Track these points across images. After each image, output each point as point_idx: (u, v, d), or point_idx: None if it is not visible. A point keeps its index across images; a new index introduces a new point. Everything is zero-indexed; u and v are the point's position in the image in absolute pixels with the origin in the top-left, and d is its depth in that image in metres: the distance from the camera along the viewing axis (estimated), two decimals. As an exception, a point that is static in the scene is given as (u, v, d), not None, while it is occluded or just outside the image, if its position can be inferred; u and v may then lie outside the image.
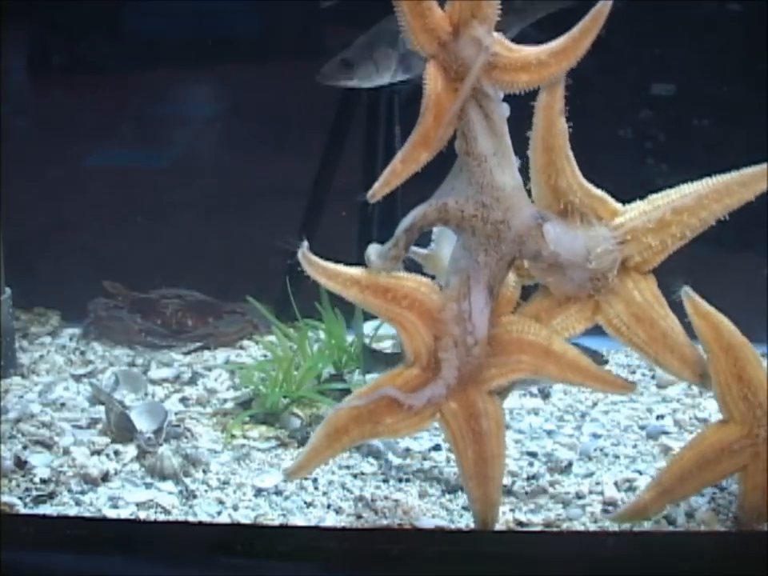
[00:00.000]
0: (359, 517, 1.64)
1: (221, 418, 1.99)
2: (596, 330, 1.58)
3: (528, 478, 1.76)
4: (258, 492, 1.71)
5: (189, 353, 2.31)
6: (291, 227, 2.44)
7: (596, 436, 1.91)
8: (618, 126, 2.41)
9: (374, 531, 1.60)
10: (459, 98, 1.45)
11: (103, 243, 2.52)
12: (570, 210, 1.52)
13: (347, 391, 1.86)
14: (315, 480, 1.75)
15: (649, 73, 2.39)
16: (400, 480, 1.76)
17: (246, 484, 1.73)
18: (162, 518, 1.64)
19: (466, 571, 1.46)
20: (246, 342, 2.38)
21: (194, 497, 1.69)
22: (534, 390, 2.09)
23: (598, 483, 1.73)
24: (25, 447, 1.85)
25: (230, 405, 2.04)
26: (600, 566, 1.47)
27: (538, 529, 1.60)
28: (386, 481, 1.76)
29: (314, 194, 2.49)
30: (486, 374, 1.52)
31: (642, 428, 1.95)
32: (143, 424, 1.89)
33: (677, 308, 1.53)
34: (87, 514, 1.64)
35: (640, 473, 1.77)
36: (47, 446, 1.86)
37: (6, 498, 1.66)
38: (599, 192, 1.54)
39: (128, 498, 1.68)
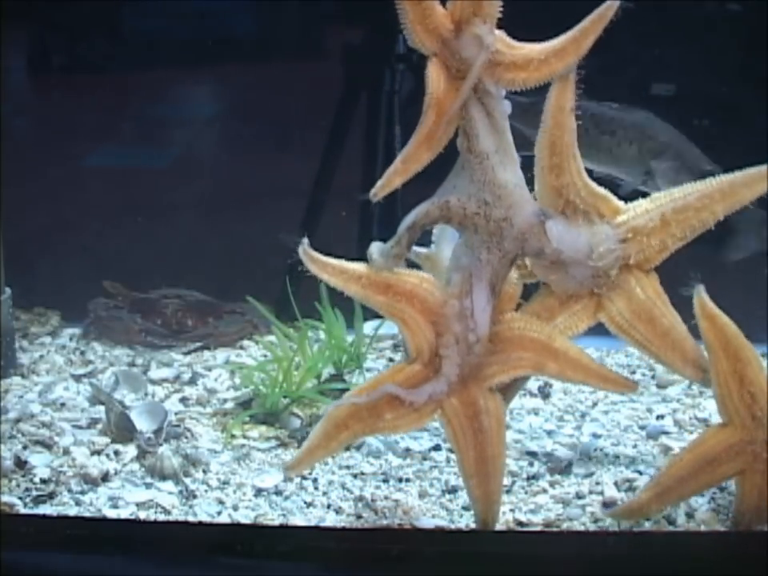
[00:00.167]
0: (359, 517, 1.64)
1: (221, 417, 1.99)
2: (596, 330, 1.58)
3: (528, 478, 1.76)
4: (258, 492, 1.71)
5: (189, 353, 2.31)
6: (291, 227, 2.44)
7: (596, 436, 1.91)
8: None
9: (374, 531, 1.60)
10: (460, 96, 1.45)
11: (103, 243, 2.52)
12: (573, 207, 1.52)
13: (347, 391, 1.86)
14: (315, 480, 1.75)
15: (649, 73, 2.38)
16: (400, 480, 1.76)
17: (246, 484, 1.73)
18: (162, 517, 1.64)
19: (466, 571, 1.46)
20: (246, 342, 2.38)
21: (194, 497, 1.69)
22: (534, 389, 2.10)
23: (598, 483, 1.73)
24: (25, 447, 1.85)
25: (230, 405, 2.04)
26: (600, 566, 1.47)
27: (538, 529, 1.60)
28: (386, 481, 1.76)
29: (313, 194, 2.49)
30: (487, 371, 1.52)
31: (642, 428, 1.95)
32: (143, 424, 1.89)
33: (687, 304, 1.53)
34: (87, 514, 1.64)
35: (640, 473, 1.77)
36: (47, 445, 1.86)
37: (6, 498, 1.66)
38: (602, 190, 1.54)
39: (128, 497, 1.68)
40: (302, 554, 1.48)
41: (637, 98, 2.38)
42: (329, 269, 1.51)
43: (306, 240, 1.51)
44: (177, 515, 1.64)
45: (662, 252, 1.54)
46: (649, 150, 1.96)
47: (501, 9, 1.46)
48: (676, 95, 2.40)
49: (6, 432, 1.90)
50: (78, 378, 2.18)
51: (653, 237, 1.53)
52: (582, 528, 1.60)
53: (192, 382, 2.15)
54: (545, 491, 1.72)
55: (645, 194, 1.56)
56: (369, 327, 2.22)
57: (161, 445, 1.84)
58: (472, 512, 1.61)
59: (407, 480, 1.76)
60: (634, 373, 2.20)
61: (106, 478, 1.75)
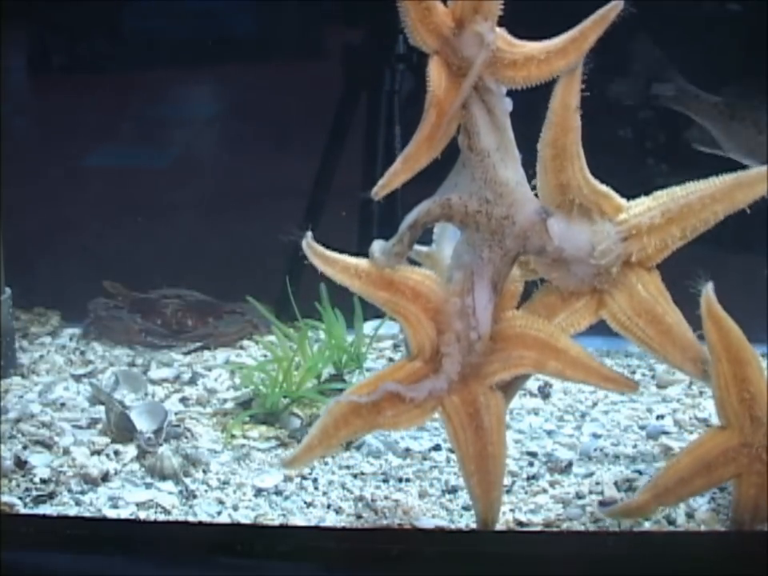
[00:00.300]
0: (359, 517, 1.64)
1: (221, 417, 1.99)
2: (596, 331, 1.58)
3: (528, 478, 1.76)
4: (258, 492, 1.71)
5: (189, 353, 2.31)
6: (291, 227, 2.44)
7: (596, 436, 1.91)
8: (618, 126, 2.41)
9: (374, 531, 1.60)
10: (461, 94, 1.45)
11: (103, 243, 2.52)
12: (575, 205, 1.52)
13: (347, 391, 1.86)
14: (315, 480, 1.75)
15: (649, 73, 2.38)
16: (400, 480, 1.76)
17: (246, 484, 1.73)
18: (162, 518, 1.64)
19: (466, 571, 1.46)
20: (246, 342, 2.38)
21: (194, 497, 1.69)
22: (534, 389, 2.10)
23: (597, 483, 1.73)
24: (25, 447, 1.85)
25: (230, 405, 2.04)
26: (600, 566, 1.47)
27: (538, 529, 1.60)
28: (386, 481, 1.76)
29: (313, 194, 2.49)
30: (488, 368, 1.52)
31: (642, 428, 1.95)
32: (143, 424, 1.89)
33: (689, 302, 1.53)
34: (87, 514, 1.64)
35: (640, 473, 1.77)
36: (47, 445, 1.86)
37: (6, 498, 1.66)
38: (604, 188, 1.54)
39: (128, 498, 1.68)
40: (302, 554, 1.48)
41: (637, 98, 2.39)
42: (332, 263, 1.51)
43: (309, 233, 1.51)
44: (177, 515, 1.64)
45: (664, 250, 1.54)
46: None
47: (502, 7, 1.46)
48: (676, 95, 2.40)
49: (6, 432, 1.90)
50: (78, 378, 2.18)
51: (654, 235, 1.53)
52: (582, 528, 1.60)
53: (192, 381, 2.15)
54: (545, 491, 1.72)
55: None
56: (369, 327, 2.22)
57: (161, 445, 1.84)
58: (472, 512, 1.61)
59: (407, 480, 1.76)
60: (634, 373, 2.20)
61: (105, 478, 1.75)
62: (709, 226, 1.53)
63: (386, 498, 1.70)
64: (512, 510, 1.65)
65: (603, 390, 1.80)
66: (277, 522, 1.62)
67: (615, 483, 1.73)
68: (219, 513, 1.65)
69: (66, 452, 1.84)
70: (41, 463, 1.79)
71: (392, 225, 1.53)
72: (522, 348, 1.53)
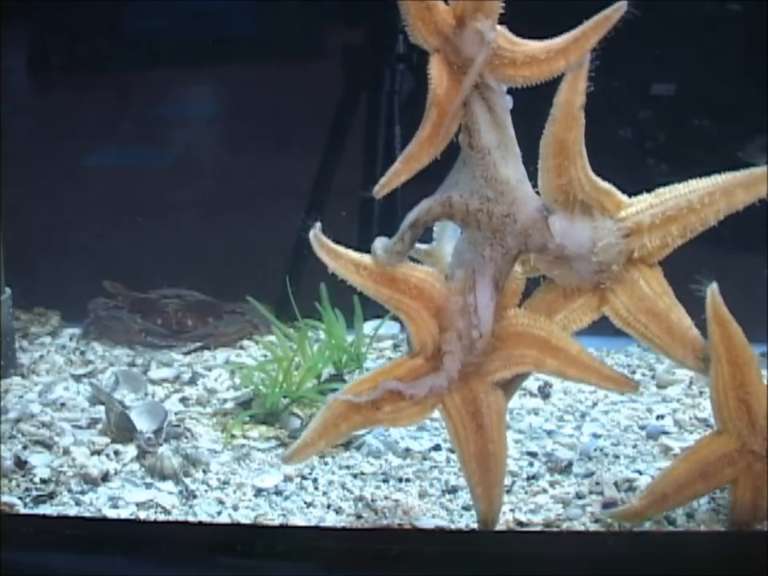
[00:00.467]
0: (359, 517, 1.64)
1: (221, 417, 1.99)
2: (596, 331, 1.58)
3: (528, 478, 1.76)
4: (258, 492, 1.71)
5: (189, 353, 2.31)
6: (291, 227, 2.44)
7: (596, 436, 1.91)
8: (618, 126, 2.41)
9: (374, 531, 1.60)
10: (461, 93, 1.45)
11: (103, 243, 2.52)
12: (577, 202, 1.52)
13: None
14: (315, 480, 1.75)
15: (649, 73, 2.39)
16: (400, 480, 1.76)
17: (246, 484, 1.73)
18: (162, 518, 1.63)
19: (466, 571, 1.46)
20: (246, 342, 2.38)
21: (194, 497, 1.69)
22: (534, 389, 2.10)
23: (597, 483, 1.73)
24: (25, 447, 1.85)
25: (230, 405, 2.04)
26: (600, 565, 1.47)
27: (538, 529, 1.60)
28: (386, 481, 1.76)
29: (314, 194, 2.49)
30: (489, 366, 1.52)
31: (642, 428, 1.95)
32: (143, 424, 1.89)
33: (691, 299, 1.53)
34: (87, 514, 1.64)
35: (640, 473, 1.77)
36: (47, 445, 1.86)
37: (6, 498, 1.66)
38: (606, 185, 1.54)
39: (128, 498, 1.68)
40: (302, 554, 1.48)
41: (637, 98, 2.39)
42: (337, 257, 1.51)
43: (318, 224, 1.51)
44: (177, 515, 1.64)
45: (666, 247, 1.54)
46: None
47: (503, 5, 1.46)
48: (676, 95, 2.40)
49: (6, 432, 1.90)
50: (78, 378, 2.18)
51: (656, 232, 1.53)
52: (582, 528, 1.60)
53: (192, 381, 2.15)
54: (545, 491, 1.72)
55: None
56: (369, 327, 2.22)
57: (161, 445, 1.84)
58: (472, 512, 1.61)
59: (407, 480, 1.76)
60: (634, 373, 2.20)
61: (106, 478, 1.75)
62: (711, 223, 1.53)
63: (386, 498, 1.70)
64: (512, 510, 1.65)
65: (603, 389, 1.80)
66: (277, 522, 1.62)
67: (615, 483, 1.73)
68: (219, 513, 1.65)
69: (66, 452, 1.84)
70: (41, 463, 1.78)
71: (392, 224, 1.53)
72: (523, 346, 1.53)
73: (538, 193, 1.52)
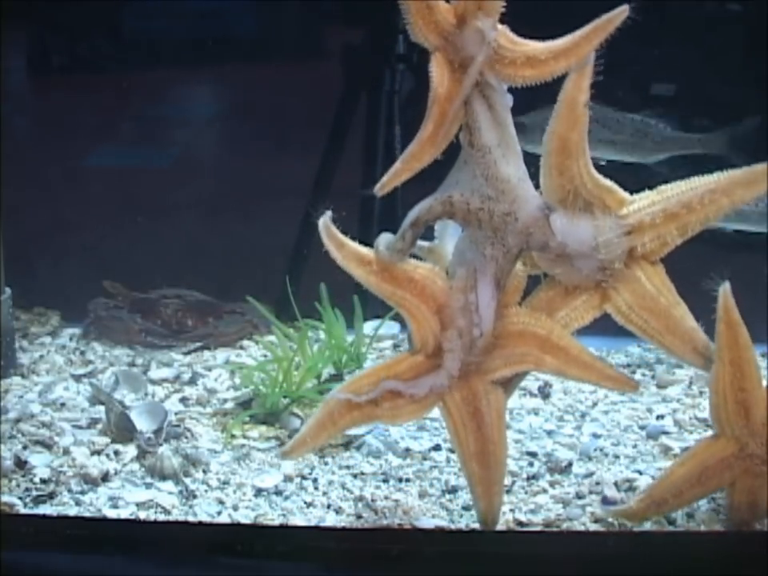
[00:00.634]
0: (359, 517, 1.64)
1: (221, 417, 1.99)
2: (596, 330, 1.58)
3: (528, 478, 1.76)
4: (258, 492, 1.71)
5: (189, 353, 2.31)
6: (291, 227, 2.44)
7: (596, 436, 1.91)
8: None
9: (374, 531, 1.60)
10: (462, 92, 1.45)
11: (103, 243, 2.52)
12: (579, 199, 1.52)
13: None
14: (315, 480, 1.75)
15: (649, 73, 2.38)
16: (400, 480, 1.76)
17: (246, 484, 1.73)
18: (162, 518, 1.63)
19: (466, 571, 1.46)
20: (246, 342, 2.37)
21: (194, 497, 1.69)
22: (534, 389, 2.10)
23: (598, 483, 1.73)
24: (25, 447, 1.85)
25: (230, 405, 2.04)
26: (600, 565, 1.47)
27: (538, 529, 1.60)
28: (386, 481, 1.76)
29: (313, 194, 2.49)
30: (490, 364, 1.52)
31: (642, 428, 1.95)
32: (143, 424, 1.89)
33: (696, 300, 1.53)
34: (87, 514, 1.64)
35: (640, 473, 1.77)
36: (47, 445, 1.86)
37: (6, 498, 1.66)
38: (608, 182, 1.53)
39: (128, 497, 1.68)
40: (302, 554, 1.48)
41: (637, 98, 2.39)
42: (344, 249, 1.51)
43: (329, 213, 1.51)
44: (177, 515, 1.64)
45: (668, 245, 1.54)
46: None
47: (504, 5, 1.46)
48: (676, 95, 2.40)
49: (6, 432, 1.90)
50: (78, 378, 2.18)
51: (658, 229, 1.52)
52: (582, 528, 1.60)
53: (192, 381, 2.15)
54: (545, 491, 1.72)
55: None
56: (369, 327, 2.22)
57: (161, 445, 1.84)
58: (472, 512, 1.61)
59: (407, 480, 1.76)
60: (634, 373, 2.20)
61: (106, 478, 1.75)
62: (713, 220, 1.52)
63: (386, 498, 1.70)
64: (512, 510, 1.65)
65: (603, 388, 1.80)
66: (277, 522, 1.62)
67: (615, 483, 1.73)
68: (219, 513, 1.65)
69: (66, 452, 1.84)
70: (41, 463, 1.78)
71: (392, 224, 1.53)
72: (523, 345, 1.53)
73: (540, 190, 1.52)
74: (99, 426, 1.93)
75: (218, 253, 2.52)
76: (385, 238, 1.51)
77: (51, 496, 1.69)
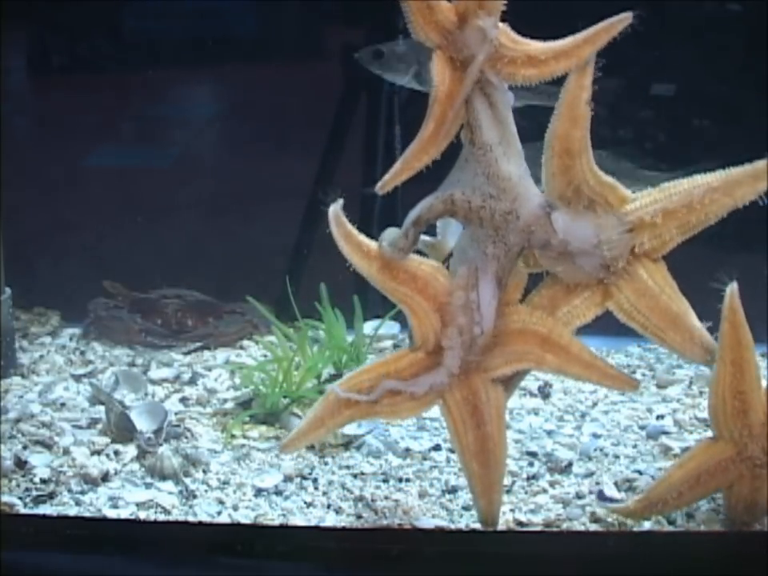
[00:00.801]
0: (359, 517, 1.64)
1: (221, 417, 1.99)
2: (596, 330, 1.58)
3: (528, 478, 1.76)
4: (258, 492, 1.71)
5: (189, 353, 2.31)
6: (291, 227, 2.44)
7: (596, 436, 1.91)
8: (618, 126, 2.41)
9: (374, 531, 1.60)
10: (463, 90, 1.45)
11: (103, 243, 2.52)
12: (581, 197, 1.52)
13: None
14: (315, 480, 1.75)
15: (649, 73, 2.38)
16: (400, 480, 1.76)
17: (246, 484, 1.73)
18: (162, 518, 1.63)
19: (466, 571, 1.46)
20: (246, 342, 2.37)
21: (194, 497, 1.69)
22: (534, 389, 2.10)
23: (597, 483, 1.73)
24: (25, 447, 1.85)
25: (230, 405, 2.04)
26: (600, 565, 1.47)
27: (538, 529, 1.60)
28: (386, 481, 1.76)
29: (314, 194, 2.49)
30: (490, 362, 1.52)
31: (642, 428, 1.95)
32: (143, 424, 1.89)
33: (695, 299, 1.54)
34: (87, 514, 1.64)
35: (640, 473, 1.77)
36: (47, 445, 1.86)
37: (6, 498, 1.66)
38: (610, 179, 1.53)
39: (128, 497, 1.68)
40: (302, 554, 1.48)
41: (637, 98, 2.39)
42: (350, 239, 1.52)
43: (341, 201, 1.51)
44: (177, 515, 1.64)
45: (670, 242, 1.54)
46: None
47: (505, 3, 1.46)
48: (676, 95, 2.40)
49: (6, 432, 1.90)
50: (78, 378, 2.18)
51: (660, 227, 1.52)
52: (582, 528, 1.60)
53: (192, 381, 2.15)
54: (545, 491, 1.72)
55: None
56: (369, 327, 2.22)
57: (161, 445, 1.84)
58: (472, 512, 1.61)
59: (407, 480, 1.76)
60: (634, 373, 2.20)
61: (106, 478, 1.75)
62: (715, 218, 1.52)
63: (386, 498, 1.70)
64: (512, 510, 1.65)
65: (604, 387, 1.80)
66: (277, 522, 1.62)
67: (615, 483, 1.73)
68: (219, 513, 1.65)
69: (66, 452, 1.84)
70: (41, 463, 1.78)
71: (392, 224, 1.53)
72: (524, 343, 1.53)
73: (541, 188, 1.52)
74: (99, 426, 1.93)
75: (218, 253, 2.52)
76: (389, 234, 1.51)
77: (51, 496, 1.69)
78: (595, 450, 1.85)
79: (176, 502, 1.68)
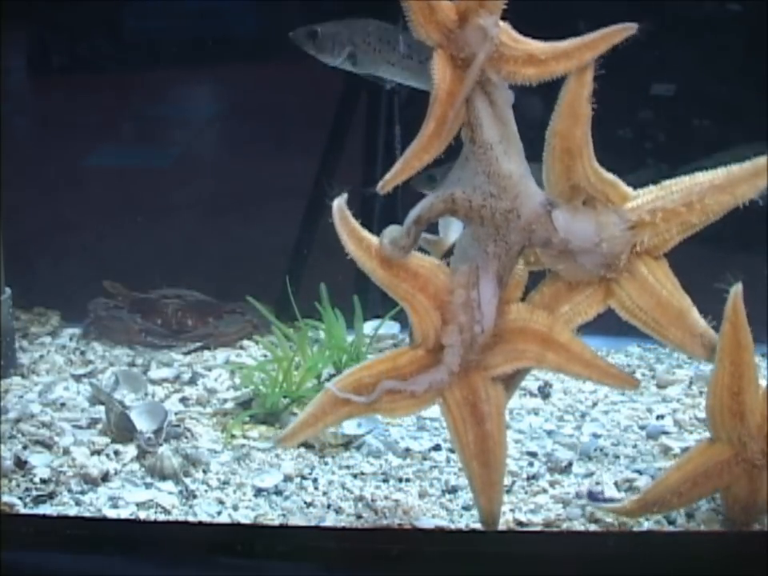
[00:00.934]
0: (359, 517, 1.64)
1: (221, 417, 1.99)
2: (596, 330, 1.58)
3: (528, 478, 1.76)
4: (258, 492, 1.71)
5: (189, 353, 2.31)
6: (291, 227, 2.44)
7: (596, 436, 1.91)
8: (618, 126, 2.41)
9: (374, 531, 1.60)
10: (464, 89, 1.45)
11: (103, 243, 2.52)
12: (582, 194, 1.52)
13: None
14: (315, 480, 1.75)
15: (649, 73, 2.38)
16: (400, 480, 1.76)
17: (246, 484, 1.73)
18: (162, 518, 1.63)
19: (466, 571, 1.46)
20: (246, 342, 2.37)
21: (194, 497, 1.69)
22: (534, 389, 2.10)
23: (598, 483, 1.73)
24: (25, 447, 1.85)
25: (230, 405, 2.04)
26: (600, 565, 1.47)
27: (538, 529, 1.60)
28: (386, 481, 1.76)
29: (313, 194, 2.49)
30: (490, 361, 1.52)
31: (642, 428, 1.95)
32: (143, 424, 1.89)
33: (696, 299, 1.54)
34: (87, 514, 1.64)
35: (640, 473, 1.77)
36: (47, 445, 1.86)
37: (6, 498, 1.66)
38: (611, 176, 1.53)
39: (128, 498, 1.68)
40: (302, 554, 1.48)
41: (637, 98, 2.39)
42: (353, 234, 1.52)
43: (345, 195, 1.51)
44: (177, 515, 1.64)
45: (671, 239, 1.54)
46: None
47: (506, 3, 1.46)
48: (676, 95, 2.40)
49: (6, 432, 1.90)
50: (78, 378, 2.18)
51: (661, 224, 1.52)
52: (582, 528, 1.60)
53: (192, 381, 2.15)
54: (545, 491, 1.72)
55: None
56: (369, 327, 2.22)
57: (161, 445, 1.84)
58: (472, 512, 1.61)
59: (407, 480, 1.76)
60: (634, 373, 2.20)
61: (106, 478, 1.75)
62: (717, 216, 1.52)
63: (386, 498, 1.70)
64: (512, 510, 1.65)
65: (604, 386, 1.80)
66: (277, 522, 1.62)
67: (615, 483, 1.73)
68: (219, 513, 1.65)
69: (66, 452, 1.84)
70: (41, 463, 1.78)
71: (392, 224, 1.53)
72: (524, 342, 1.53)
73: (542, 186, 1.52)
74: (99, 426, 1.93)
75: (217, 253, 2.52)
76: (390, 232, 1.51)
77: (51, 496, 1.69)
78: (595, 449, 1.85)
79: (176, 501, 1.68)
